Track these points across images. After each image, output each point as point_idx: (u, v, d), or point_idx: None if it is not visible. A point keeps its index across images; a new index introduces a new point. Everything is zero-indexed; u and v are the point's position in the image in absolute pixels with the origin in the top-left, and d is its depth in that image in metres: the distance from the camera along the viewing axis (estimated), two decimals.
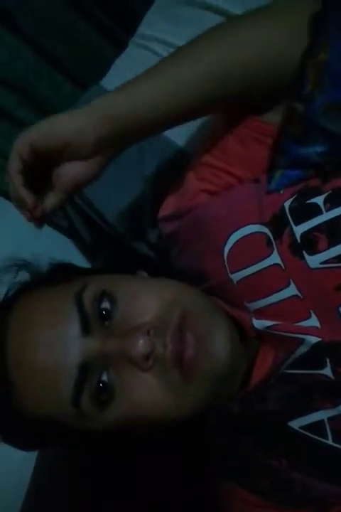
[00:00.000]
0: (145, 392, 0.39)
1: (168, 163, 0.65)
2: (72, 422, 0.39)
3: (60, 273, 0.48)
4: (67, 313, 0.40)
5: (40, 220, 0.43)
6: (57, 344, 0.39)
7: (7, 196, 0.54)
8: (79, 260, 0.95)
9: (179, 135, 0.62)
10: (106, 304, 0.40)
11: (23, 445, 0.46)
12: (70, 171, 0.43)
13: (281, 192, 0.43)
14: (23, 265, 0.48)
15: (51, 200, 0.44)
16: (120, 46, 0.73)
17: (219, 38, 0.43)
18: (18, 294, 0.45)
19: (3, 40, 0.80)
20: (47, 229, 1.00)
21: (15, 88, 0.82)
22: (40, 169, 0.43)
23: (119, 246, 0.74)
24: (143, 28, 0.68)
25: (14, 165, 0.41)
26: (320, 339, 0.39)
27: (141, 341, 0.37)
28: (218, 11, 0.60)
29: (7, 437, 0.45)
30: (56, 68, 0.83)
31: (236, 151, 0.47)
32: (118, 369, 0.39)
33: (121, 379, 0.39)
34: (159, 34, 0.63)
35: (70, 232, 0.94)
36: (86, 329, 0.39)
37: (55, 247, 0.94)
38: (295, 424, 0.40)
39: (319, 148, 0.41)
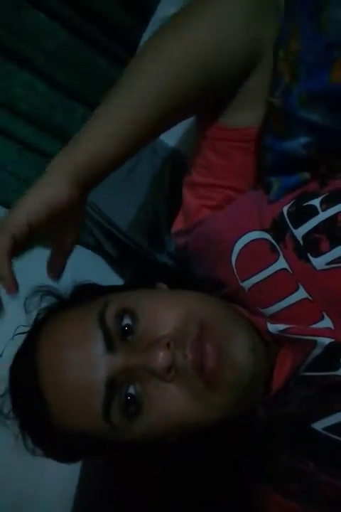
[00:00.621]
0: (170, 402, 0.40)
1: (179, 174, 0.66)
2: (106, 435, 0.41)
3: (83, 293, 0.50)
4: (91, 332, 0.41)
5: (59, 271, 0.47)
6: (84, 363, 0.41)
7: None
8: (108, 274, 0.98)
9: (186, 144, 0.63)
10: (127, 321, 0.42)
11: (63, 458, 0.49)
12: (68, 225, 0.45)
13: (281, 200, 0.43)
14: (47, 291, 0.51)
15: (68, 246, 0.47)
16: (125, 66, 0.75)
17: (165, 38, 0.42)
18: (45, 317, 0.48)
19: (18, 77, 0.85)
20: (76, 246, 1.04)
21: (32, 120, 0.87)
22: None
23: (142, 258, 0.76)
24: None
25: (5, 246, 0.39)
26: (333, 340, 0.39)
27: (162, 354, 0.39)
28: None
29: (47, 452, 0.47)
30: (67, 96, 0.87)
31: (220, 165, 0.47)
32: (143, 382, 0.40)
33: (146, 391, 0.40)
34: None
35: (98, 249, 0.97)
36: (110, 346, 0.41)
37: (85, 264, 0.98)
38: (318, 425, 0.39)
39: (303, 140, 0.40)
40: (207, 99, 0.43)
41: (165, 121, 0.44)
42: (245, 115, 0.44)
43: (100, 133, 0.42)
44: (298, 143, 0.40)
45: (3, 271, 0.39)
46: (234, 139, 0.45)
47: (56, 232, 0.45)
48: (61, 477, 0.72)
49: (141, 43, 0.72)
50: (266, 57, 0.41)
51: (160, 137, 0.66)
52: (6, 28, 0.81)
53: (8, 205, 0.89)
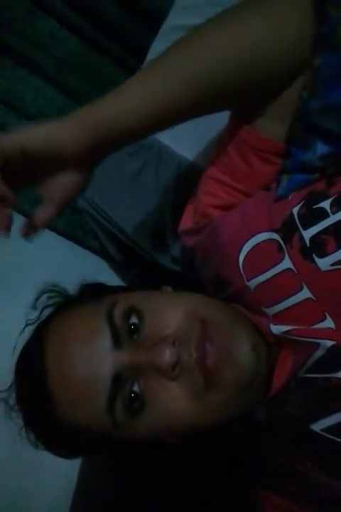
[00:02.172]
0: (172, 400, 0.41)
1: (183, 178, 0.67)
2: (108, 431, 0.42)
3: (91, 292, 0.50)
4: (99, 329, 0.42)
5: (32, 231, 0.44)
6: (92, 358, 0.42)
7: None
8: (111, 277, 0.99)
9: (191, 150, 0.64)
10: (134, 319, 0.43)
11: (65, 454, 0.49)
12: (61, 183, 0.43)
13: (289, 198, 0.44)
14: (55, 290, 0.52)
15: (46, 212, 0.44)
16: (133, 74, 0.77)
17: (192, 47, 0.41)
18: (53, 314, 0.49)
19: (29, 83, 0.88)
20: (80, 250, 1.05)
21: None
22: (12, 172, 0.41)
23: (146, 262, 0.77)
24: (150, 56, 0.72)
25: None
26: (335, 342, 0.40)
27: (168, 351, 0.40)
28: None
29: (50, 446, 0.48)
30: (76, 101, 0.89)
31: (240, 167, 0.47)
32: (147, 379, 0.41)
33: (150, 388, 0.41)
34: None
35: (101, 252, 0.99)
36: (117, 343, 0.42)
37: (89, 267, 0.99)
38: (317, 426, 0.40)
39: (319, 151, 0.41)
40: (245, 95, 0.43)
41: (197, 107, 0.43)
42: (277, 126, 0.43)
43: (127, 97, 0.41)
44: (314, 154, 0.41)
45: None
46: (262, 149, 0.45)
47: (53, 180, 0.43)
48: (60, 475, 0.73)
49: (150, 51, 0.74)
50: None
51: (167, 143, 0.68)
52: (19, 35, 0.83)
53: (16, 208, 0.90)
